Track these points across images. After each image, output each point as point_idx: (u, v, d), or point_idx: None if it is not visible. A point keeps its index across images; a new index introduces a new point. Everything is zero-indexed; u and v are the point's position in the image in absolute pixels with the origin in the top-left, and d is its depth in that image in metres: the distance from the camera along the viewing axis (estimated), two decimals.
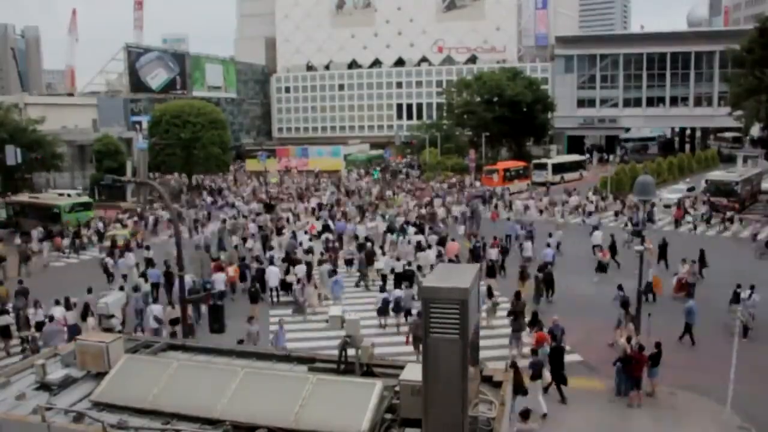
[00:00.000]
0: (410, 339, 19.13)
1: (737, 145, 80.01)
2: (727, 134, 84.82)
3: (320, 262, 26.60)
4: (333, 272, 25.42)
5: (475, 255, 28.12)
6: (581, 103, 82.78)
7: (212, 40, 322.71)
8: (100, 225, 39.34)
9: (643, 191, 19.04)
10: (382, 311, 21.62)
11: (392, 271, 25.27)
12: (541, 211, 42.89)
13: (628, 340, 16.43)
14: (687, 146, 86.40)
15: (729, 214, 38.00)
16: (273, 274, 24.69)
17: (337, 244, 31.52)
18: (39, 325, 19.88)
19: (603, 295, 22.25)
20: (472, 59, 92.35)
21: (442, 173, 61.99)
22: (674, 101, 80.00)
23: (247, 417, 6.60)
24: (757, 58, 46.83)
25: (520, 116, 67.12)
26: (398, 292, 22.12)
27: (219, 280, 23.99)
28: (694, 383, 16.26)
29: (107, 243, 33.78)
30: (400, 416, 6.56)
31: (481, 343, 7.06)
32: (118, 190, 52.26)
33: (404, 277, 24.23)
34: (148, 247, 31.01)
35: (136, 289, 22.91)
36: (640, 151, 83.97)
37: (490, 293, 21.45)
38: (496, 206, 44.07)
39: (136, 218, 42.40)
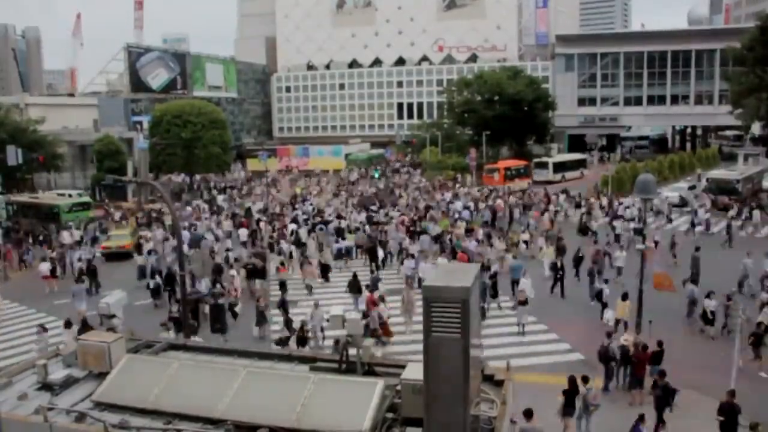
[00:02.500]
0: None
1: (738, 143, 79.87)
2: (728, 132, 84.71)
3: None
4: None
5: None
6: (582, 101, 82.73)
7: (212, 40, 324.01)
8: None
9: (643, 190, 18.97)
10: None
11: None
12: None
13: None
14: (688, 144, 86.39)
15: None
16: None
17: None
18: None
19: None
20: (473, 58, 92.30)
21: (443, 172, 61.91)
22: (675, 99, 79.93)
23: (249, 417, 6.60)
24: (758, 56, 46.73)
25: (520, 115, 67.10)
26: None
27: (243, 234, 34.11)
28: (696, 382, 16.24)
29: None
30: (402, 415, 6.56)
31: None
32: (119, 190, 52.34)
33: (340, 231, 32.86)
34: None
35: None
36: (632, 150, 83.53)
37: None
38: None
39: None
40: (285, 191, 56.61)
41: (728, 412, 13.03)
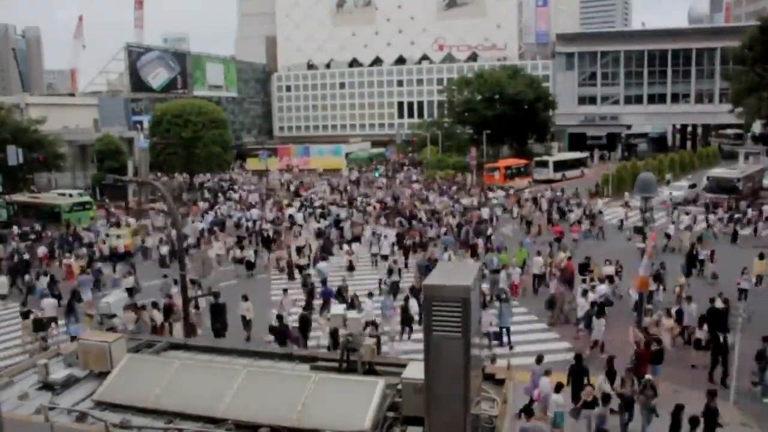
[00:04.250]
0: None
1: (738, 141, 79.86)
2: (729, 131, 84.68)
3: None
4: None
5: None
6: (582, 100, 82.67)
7: (213, 40, 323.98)
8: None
9: (643, 188, 18.99)
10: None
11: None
12: None
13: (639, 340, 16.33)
14: (688, 143, 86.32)
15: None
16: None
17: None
18: None
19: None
20: (473, 57, 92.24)
21: (443, 171, 61.85)
22: (675, 98, 79.86)
23: (250, 416, 6.60)
24: (758, 55, 46.61)
25: (521, 114, 67.04)
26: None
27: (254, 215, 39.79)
28: (697, 381, 16.23)
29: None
30: (403, 414, 6.56)
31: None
32: (119, 190, 52.31)
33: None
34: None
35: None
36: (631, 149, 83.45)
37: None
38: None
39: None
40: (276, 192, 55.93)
41: (706, 413, 12.75)
